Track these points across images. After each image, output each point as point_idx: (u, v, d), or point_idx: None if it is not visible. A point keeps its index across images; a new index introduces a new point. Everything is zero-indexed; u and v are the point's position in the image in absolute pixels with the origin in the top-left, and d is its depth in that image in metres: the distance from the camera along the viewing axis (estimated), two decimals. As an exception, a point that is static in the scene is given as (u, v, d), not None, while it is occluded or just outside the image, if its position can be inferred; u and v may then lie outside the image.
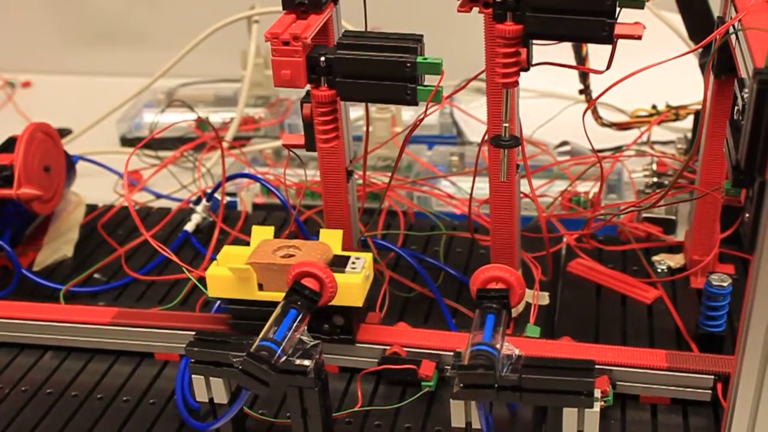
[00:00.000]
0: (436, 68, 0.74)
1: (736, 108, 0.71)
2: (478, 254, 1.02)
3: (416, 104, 0.75)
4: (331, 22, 0.81)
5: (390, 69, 0.74)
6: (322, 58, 0.75)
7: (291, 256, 0.82)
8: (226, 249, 0.87)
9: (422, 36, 0.75)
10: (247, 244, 1.06)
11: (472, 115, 1.30)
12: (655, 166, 1.16)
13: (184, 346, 0.74)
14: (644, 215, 1.06)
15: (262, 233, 0.87)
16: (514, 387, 0.67)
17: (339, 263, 0.82)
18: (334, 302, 0.80)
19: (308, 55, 0.75)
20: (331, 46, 0.78)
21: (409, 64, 0.74)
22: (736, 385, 0.67)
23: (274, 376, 0.68)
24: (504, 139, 0.76)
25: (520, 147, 0.85)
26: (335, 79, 0.76)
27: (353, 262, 0.82)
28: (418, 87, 0.75)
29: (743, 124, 0.63)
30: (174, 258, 0.89)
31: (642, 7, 0.67)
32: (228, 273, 0.82)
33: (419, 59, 0.74)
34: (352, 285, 0.81)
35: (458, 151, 1.25)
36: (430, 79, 0.76)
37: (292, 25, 0.76)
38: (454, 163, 1.23)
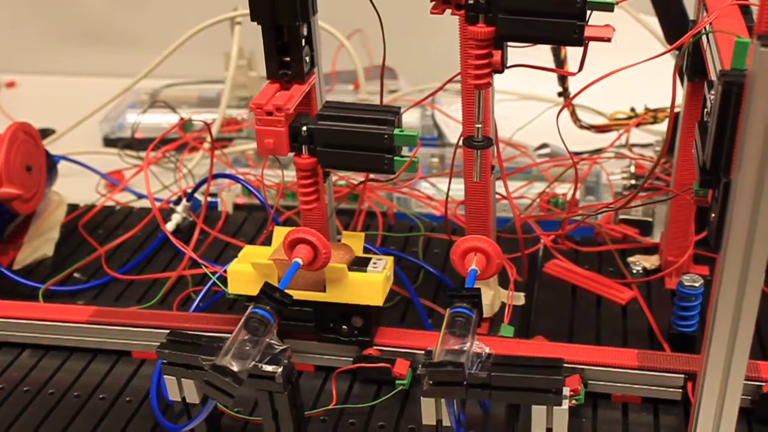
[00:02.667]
0: (411, 140, 0.76)
1: (705, 110, 0.72)
2: (456, 255, 1.03)
3: (393, 173, 0.78)
4: (313, 90, 0.83)
5: (368, 140, 0.77)
6: (304, 128, 0.78)
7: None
8: (247, 248, 0.87)
9: (399, 108, 0.78)
10: (227, 244, 1.07)
11: (453, 117, 1.31)
12: (633, 169, 1.17)
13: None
14: (621, 217, 1.07)
15: (283, 234, 0.87)
16: (483, 385, 0.68)
17: (360, 264, 0.83)
18: (354, 300, 0.82)
19: (291, 124, 0.78)
20: (312, 115, 0.80)
21: (386, 136, 0.76)
22: (702, 383, 0.67)
23: (238, 388, 0.68)
24: (477, 139, 0.77)
25: (495, 148, 0.86)
26: (316, 148, 0.79)
27: (375, 263, 0.83)
28: (395, 157, 0.77)
29: (709, 125, 0.64)
30: (192, 254, 0.90)
31: (611, 10, 0.68)
32: (250, 269, 0.82)
33: (396, 131, 0.76)
34: (374, 283, 0.81)
35: (438, 152, 1.26)
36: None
37: (276, 96, 0.78)
38: (434, 165, 1.24)
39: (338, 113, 0.78)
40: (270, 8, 0.76)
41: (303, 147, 0.79)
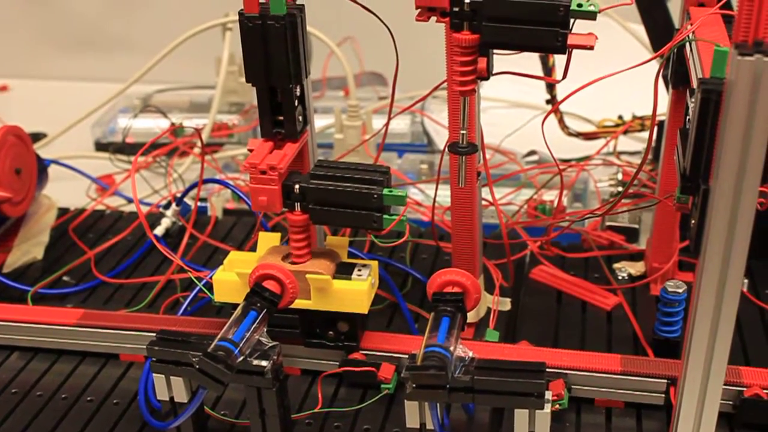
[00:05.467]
0: (400, 200, 0.78)
1: (687, 117, 0.73)
2: (443, 261, 1.04)
3: (381, 230, 0.79)
4: (306, 148, 0.85)
5: (358, 199, 0.79)
6: (297, 186, 0.80)
7: (300, 262, 0.83)
8: (233, 254, 0.87)
9: (388, 168, 0.80)
10: (216, 248, 1.08)
11: (443, 124, 1.31)
12: (620, 176, 1.18)
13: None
14: (607, 224, 1.08)
15: (269, 240, 0.88)
16: (466, 388, 0.69)
17: (345, 270, 0.83)
18: (340, 308, 0.82)
19: (284, 183, 0.80)
20: (305, 172, 0.82)
21: (376, 196, 0.78)
22: (682, 388, 0.68)
23: (229, 375, 0.69)
24: (461, 145, 0.78)
25: (482, 155, 0.87)
26: (308, 206, 0.80)
27: (359, 270, 0.83)
28: (384, 216, 0.79)
29: (689, 132, 0.65)
30: (178, 261, 0.90)
31: (594, 19, 0.69)
32: (235, 278, 0.83)
33: (385, 191, 0.78)
34: (359, 292, 0.82)
35: (428, 159, 1.27)
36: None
37: (269, 155, 0.80)
38: (423, 171, 1.25)
39: (329, 172, 0.80)
40: (264, 72, 0.78)
41: (296, 204, 0.80)
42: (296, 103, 0.80)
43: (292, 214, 0.81)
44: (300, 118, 0.82)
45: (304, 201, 0.80)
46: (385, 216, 0.79)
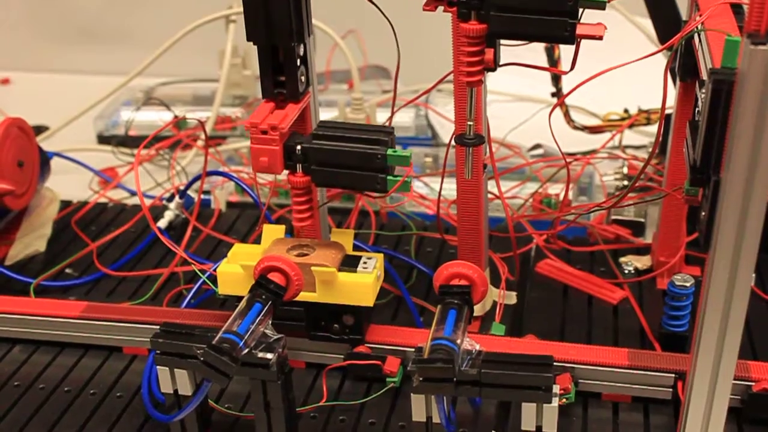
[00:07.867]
0: (404, 160, 0.77)
1: (696, 109, 0.73)
2: (448, 254, 1.03)
3: (385, 192, 0.78)
4: (308, 109, 0.83)
5: (362, 160, 0.77)
6: (299, 147, 0.78)
7: (305, 254, 0.83)
8: (237, 247, 0.86)
9: (393, 129, 0.79)
10: (220, 241, 1.07)
11: (447, 117, 1.31)
12: (626, 170, 1.18)
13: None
14: (613, 217, 1.08)
15: (273, 232, 0.87)
16: (473, 381, 0.68)
17: (350, 263, 0.82)
18: (345, 301, 0.82)
19: (285, 143, 0.78)
20: (307, 134, 0.81)
21: (379, 156, 0.77)
22: (691, 383, 0.67)
23: (234, 368, 0.68)
24: (468, 137, 0.77)
25: (488, 148, 0.86)
26: (310, 167, 0.79)
27: (365, 262, 0.82)
28: (388, 177, 0.78)
29: (700, 123, 0.65)
30: (182, 253, 0.90)
31: (603, 8, 0.68)
32: (240, 270, 0.82)
33: (389, 152, 0.77)
34: (364, 285, 0.81)
35: (432, 152, 1.26)
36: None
37: (271, 115, 0.78)
38: (427, 165, 1.24)
39: (332, 133, 0.79)
40: (266, 29, 0.76)
41: (297, 165, 0.79)
42: (299, 63, 0.79)
43: (294, 176, 0.79)
44: (302, 78, 0.80)
45: (306, 162, 0.79)
46: (389, 177, 0.78)
